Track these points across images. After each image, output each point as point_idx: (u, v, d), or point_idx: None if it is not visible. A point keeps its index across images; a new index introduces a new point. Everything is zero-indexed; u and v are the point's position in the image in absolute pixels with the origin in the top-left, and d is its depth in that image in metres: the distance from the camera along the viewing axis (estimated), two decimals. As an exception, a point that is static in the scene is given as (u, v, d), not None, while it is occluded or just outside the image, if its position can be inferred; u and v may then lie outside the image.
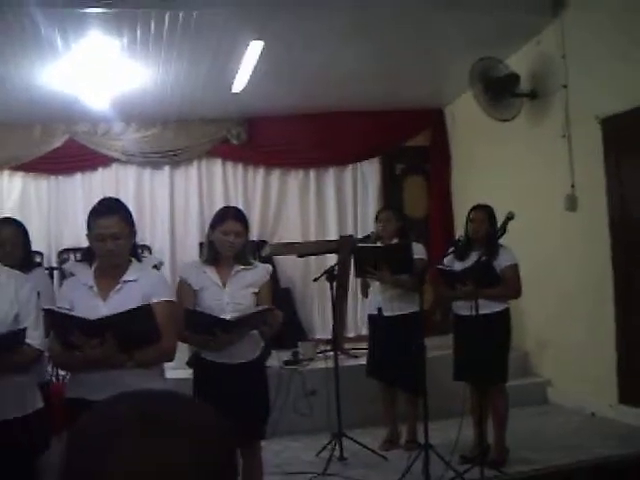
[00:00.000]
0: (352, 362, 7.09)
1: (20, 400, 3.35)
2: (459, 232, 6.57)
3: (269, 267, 4.44)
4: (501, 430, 5.52)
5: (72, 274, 3.95)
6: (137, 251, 3.80)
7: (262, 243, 8.81)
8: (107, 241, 3.41)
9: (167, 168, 9.52)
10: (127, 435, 0.88)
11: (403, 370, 5.70)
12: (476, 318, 5.05)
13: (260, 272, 4.29)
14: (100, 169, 9.40)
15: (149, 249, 8.87)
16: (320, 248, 7.78)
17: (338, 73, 7.77)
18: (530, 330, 7.63)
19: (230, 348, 4.06)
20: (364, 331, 7.65)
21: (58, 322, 3.39)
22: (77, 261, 7.81)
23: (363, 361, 6.37)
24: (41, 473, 3.44)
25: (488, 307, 5.27)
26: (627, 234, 6.28)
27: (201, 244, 6.84)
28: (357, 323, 9.44)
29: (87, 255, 3.72)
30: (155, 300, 3.44)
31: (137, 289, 3.48)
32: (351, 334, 9.24)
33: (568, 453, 5.47)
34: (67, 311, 3.39)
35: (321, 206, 9.84)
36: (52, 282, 6.20)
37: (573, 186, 6.82)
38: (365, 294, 6.27)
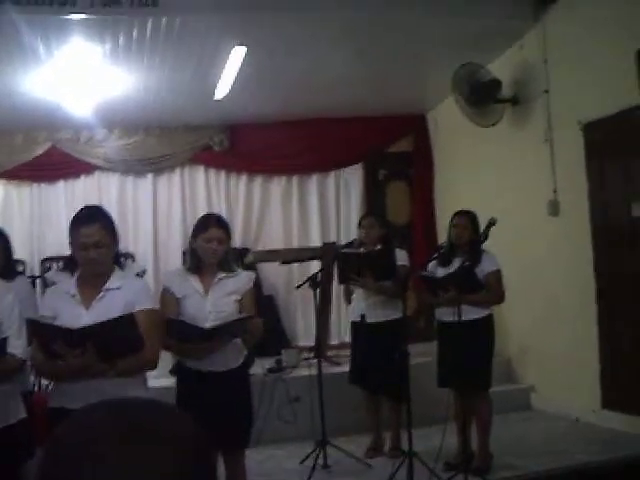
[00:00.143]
0: (336, 369, 7.06)
1: (3, 410, 3.33)
2: (442, 238, 6.58)
3: (252, 274, 4.45)
4: (485, 436, 5.52)
5: (54, 283, 3.93)
6: (120, 259, 3.79)
7: (245, 250, 8.77)
8: (89, 249, 3.39)
9: (150, 175, 9.47)
10: (104, 443, 0.88)
11: (386, 377, 5.67)
12: (459, 324, 5.05)
13: (243, 279, 4.28)
14: (83, 177, 9.33)
15: (132, 257, 8.82)
16: (303, 255, 7.78)
17: (320, 79, 7.78)
18: (513, 336, 7.64)
19: (213, 356, 4.05)
20: (347, 338, 7.63)
21: (41, 332, 3.36)
22: (59, 270, 7.77)
23: (346, 368, 6.34)
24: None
25: (471, 313, 5.27)
26: (609, 239, 6.31)
27: (184, 253, 6.82)
28: (340, 330, 9.38)
29: (69, 263, 3.70)
30: (138, 308, 3.43)
31: (120, 297, 3.46)
32: (334, 341, 9.19)
33: (553, 459, 5.49)
34: (50, 321, 3.36)
35: (304, 213, 9.81)
36: (35, 291, 6.15)
37: (555, 191, 6.86)
38: (348, 301, 6.27)
